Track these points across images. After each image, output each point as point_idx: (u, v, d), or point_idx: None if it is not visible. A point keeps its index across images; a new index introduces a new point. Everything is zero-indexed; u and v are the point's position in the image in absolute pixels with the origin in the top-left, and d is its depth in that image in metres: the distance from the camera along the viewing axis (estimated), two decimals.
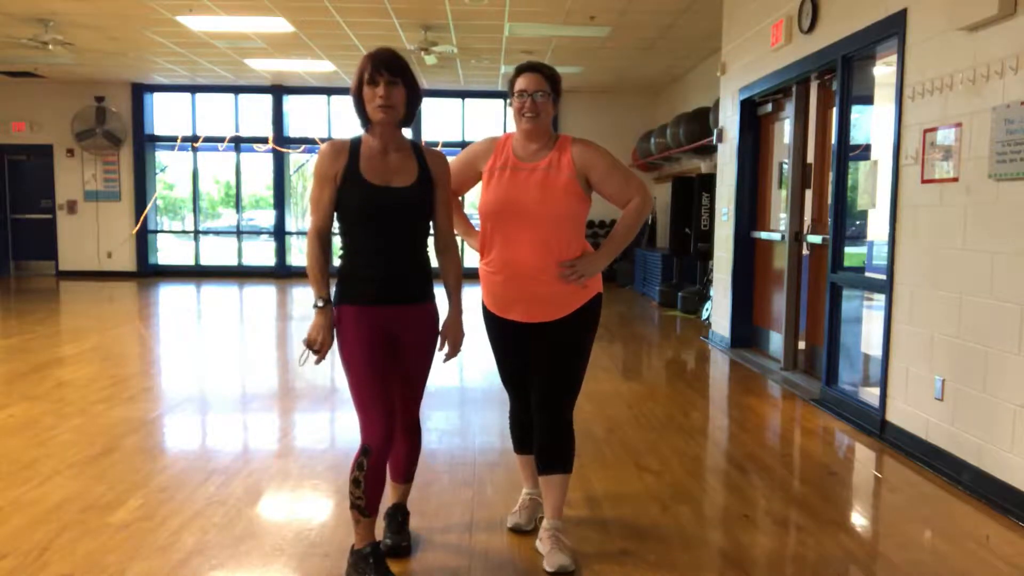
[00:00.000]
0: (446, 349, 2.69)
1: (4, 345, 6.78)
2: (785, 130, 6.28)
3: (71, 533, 2.89)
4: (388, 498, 2.80)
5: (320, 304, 2.49)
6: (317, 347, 2.47)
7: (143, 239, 13.15)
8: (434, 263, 2.70)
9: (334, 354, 2.58)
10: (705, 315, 8.49)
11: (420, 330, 2.63)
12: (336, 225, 2.58)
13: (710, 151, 8.86)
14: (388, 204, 2.50)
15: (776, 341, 6.34)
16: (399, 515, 2.84)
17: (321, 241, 2.55)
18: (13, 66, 11.04)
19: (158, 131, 13.26)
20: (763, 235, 6.66)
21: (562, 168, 2.72)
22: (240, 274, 13.35)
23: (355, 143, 2.54)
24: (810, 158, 5.86)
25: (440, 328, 2.68)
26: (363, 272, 2.53)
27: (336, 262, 2.62)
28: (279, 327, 8.37)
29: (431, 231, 2.68)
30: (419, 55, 9.30)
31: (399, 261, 2.55)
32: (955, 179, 3.71)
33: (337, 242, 2.64)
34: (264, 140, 13.17)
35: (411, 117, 2.56)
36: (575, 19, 8.24)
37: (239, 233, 13.67)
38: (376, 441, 2.46)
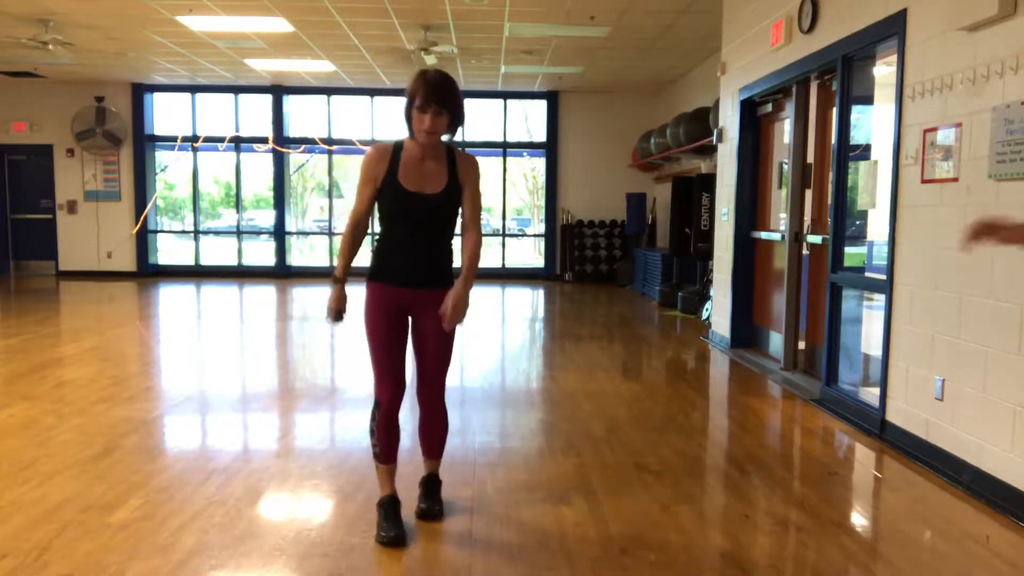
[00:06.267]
0: (448, 314, 2.88)
1: (4, 345, 6.78)
2: (785, 130, 6.28)
3: (71, 533, 2.89)
4: (421, 469, 3.19)
5: (336, 278, 2.93)
6: (333, 314, 2.92)
7: (143, 239, 13.15)
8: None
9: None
10: (705, 315, 8.50)
11: (435, 312, 2.90)
12: (377, 214, 2.97)
13: (710, 151, 8.86)
14: (419, 208, 2.87)
15: (776, 341, 6.34)
16: (432, 483, 3.15)
17: (355, 230, 2.94)
18: (13, 66, 11.05)
19: (158, 131, 13.26)
20: (763, 235, 6.66)
21: None
22: (240, 274, 13.35)
23: (397, 149, 2.90)
24: (810, 158, 5.86)
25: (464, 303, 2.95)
26: (392, 258, 2.91)
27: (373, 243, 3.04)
28: (279, 327, 8.37)
29: (455, 226, 3.00)
30: (419, 55, 9.31)
31: (424, 253, 2.92)
32: (955, 179, 3.71)
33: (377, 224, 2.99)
34: (264, 140, 13.17)
35: (453, 134, 2.91)
36: (575, 19, 8.24)
37: (239, 233, 13.67)
38: (385, 396, 2.93)
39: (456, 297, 2.88)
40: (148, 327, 8.29)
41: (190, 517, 3.06)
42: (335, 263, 2.98)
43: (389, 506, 2.97)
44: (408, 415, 4.45)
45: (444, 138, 2.93)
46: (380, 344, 2.92)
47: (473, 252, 2.95)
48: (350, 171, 14.15)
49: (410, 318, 2.98)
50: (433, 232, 2.92)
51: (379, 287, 2.93)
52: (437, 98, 2.75)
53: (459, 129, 2.95)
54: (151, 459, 3.80)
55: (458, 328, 3.01)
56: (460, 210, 2.97)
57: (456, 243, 3.02)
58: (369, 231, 3.03)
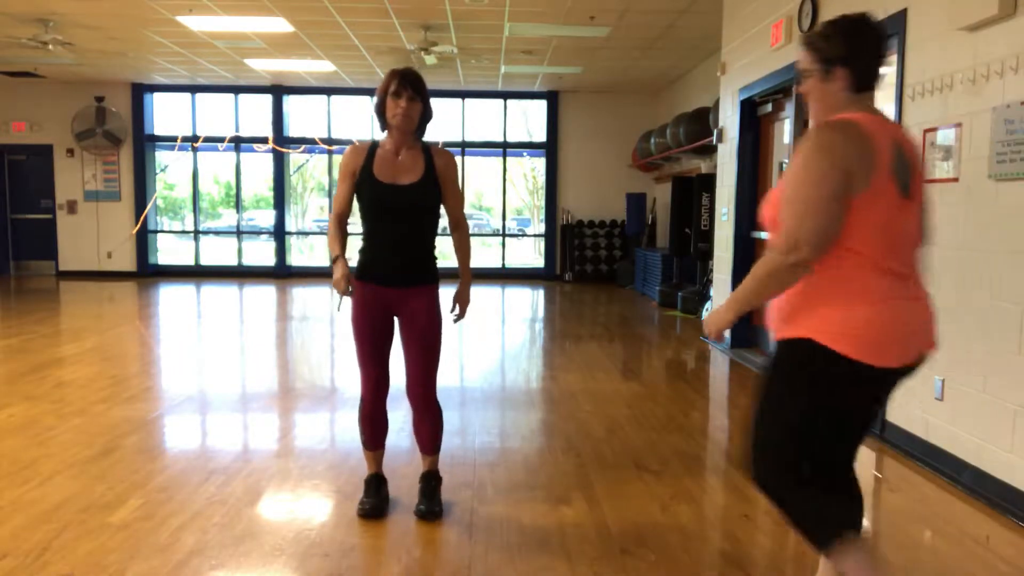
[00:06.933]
0: (456, 311, 3.12)
1: (4, 345, 6.78)
2: (785, 130, 6.28)
3: (71, 533, 2.90)
4: (420, 467, 3.24)
5: (335, 258, 2.92)
6: (342, 290, 2.90)
7: (143, 239, 13.15)
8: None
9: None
10: (705, 315, 8.49)
11: (420, 309, 3.01)
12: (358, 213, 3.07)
13: (710, 151, 8.86)
14: (395, 199, 2.94)
15: None
16: (432, 481, 3.19)
17: (339, 224, 3.04)
18: (13, 66, 11.04)
19: (158, 131, 13.26)
20: (763, 235, 6.65)
21: None
22: (240, 274, 13.35)
23: (373, 146, 3.02)
24: None
25: (450, 300, 3.09)
26: (375, 257, 2.98)
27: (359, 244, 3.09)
28: (279, 327, 8.37)
29: (438, 221, 3.09)
30: (419, 55, 9.31)
31: (406, 250, 2.98)
32: (955, 179, 3.71)
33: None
34: (264, 140, 13.17)
35: (423, 130, 3.04)
36: (575, 19, 8.24)
37: (239, 233, 13.67)
38: (368, 393, 3.09)
39: (464, 295, 3.11)
40: (148, 327, 8.29)
41: (190, 517, 3.06)
42: (330, 251, 3.00)
43: (372, 482, 3.19)
44: (405, 414, 4.46)
45: (434, 141, 3.03)
46: (363, 344, 3.04)
47: (466, 249, 3.15)
48: None
49: (396, 317, 3.06)
50: (412, 227, 2.97)
51: (364, 287, 3.00)
52: (412, 85, 2.90)
53: (426, 127, 3.04)
54: (151, 459, 3.80)
55: (455, 325, 3.13)
56: (442, 208, 3.06)
57: (441, 242, 3.08)
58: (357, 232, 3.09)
